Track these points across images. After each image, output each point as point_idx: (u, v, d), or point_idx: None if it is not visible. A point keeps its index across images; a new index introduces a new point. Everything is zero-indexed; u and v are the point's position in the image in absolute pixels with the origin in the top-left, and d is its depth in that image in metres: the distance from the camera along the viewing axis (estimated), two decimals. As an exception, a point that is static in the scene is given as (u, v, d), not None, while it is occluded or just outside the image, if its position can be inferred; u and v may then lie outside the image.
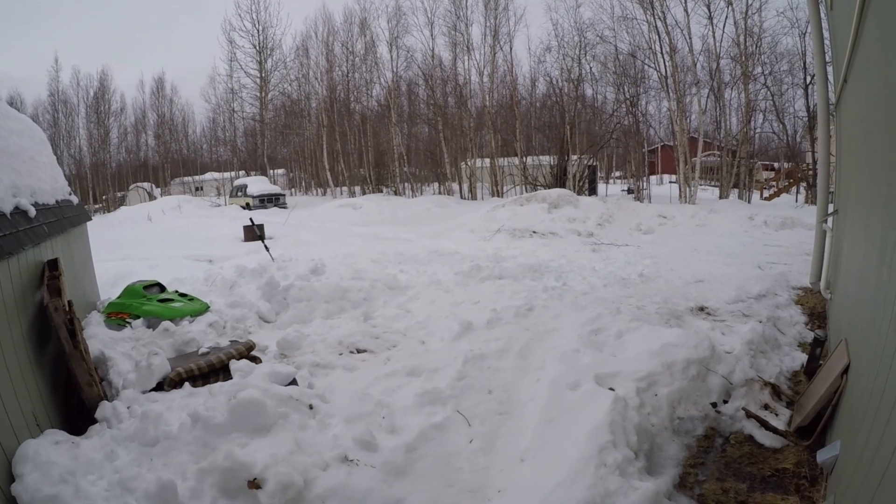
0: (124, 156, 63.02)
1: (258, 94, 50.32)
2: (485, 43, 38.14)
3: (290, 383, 5.31)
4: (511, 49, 39.32)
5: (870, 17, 3.98)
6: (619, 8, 32.94)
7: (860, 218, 5.02)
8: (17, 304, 4.60)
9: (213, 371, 6.04)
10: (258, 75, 49.78)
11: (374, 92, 46.30)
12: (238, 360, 6.12)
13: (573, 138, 34.58)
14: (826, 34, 7.99)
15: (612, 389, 5.23)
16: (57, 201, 6.97)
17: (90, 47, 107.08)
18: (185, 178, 59.44)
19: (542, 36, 61.61)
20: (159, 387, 5.64)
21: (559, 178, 32.01)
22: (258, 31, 49.18)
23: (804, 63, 29.48)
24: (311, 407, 4.78)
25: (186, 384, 5.69)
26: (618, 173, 56.04)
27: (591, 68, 35.83)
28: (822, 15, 7.97)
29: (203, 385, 5.65)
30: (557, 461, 4.17)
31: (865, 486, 2.61)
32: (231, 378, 5.69)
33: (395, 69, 42.00)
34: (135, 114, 61.90)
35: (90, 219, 9.30)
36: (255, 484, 3.66)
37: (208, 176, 58.08)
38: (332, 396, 5.21)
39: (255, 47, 49.44)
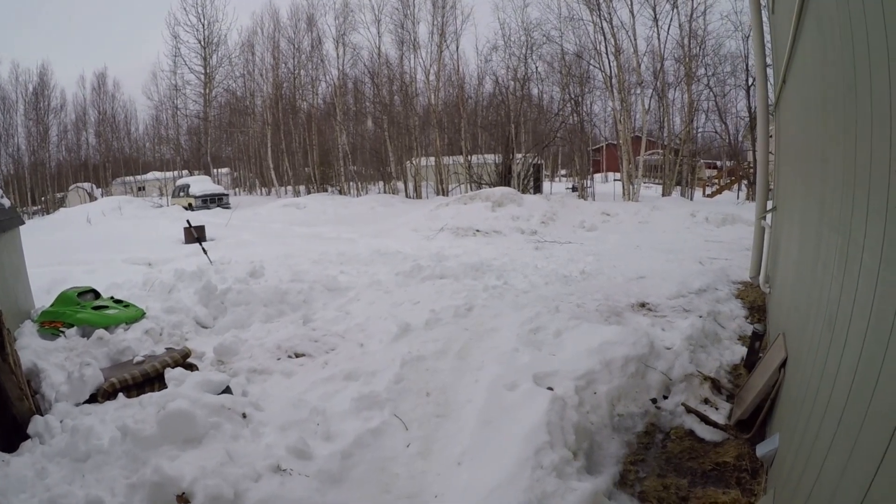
0: (64, 155, 60.80)
1: (202, 91, 49.15)
2: (432, 41, 38.12)
3: (224, 391, 5.15)
4: (458, 48, 39.48)
5: (808, 19, 4.07)
6: (565, 8, 33.13)
7: (797, 215, 5.13)
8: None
9: (147, 380, 5.84)
10: (202, 71, 48.62)
11: (319, 90, 45.91)
12: (174, 368, 5.91)
13: (518, 137, 34.89)
14: (767, 37, 8.18)
15: (550, 389, 5.22)
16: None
17: (28, 40, 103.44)
18: (127, 178, 57.72)
19: (489, 35, 61.49)
20: (93, 398, 5.44)
21: (504, 177, 32.18)
22: (203, 25, 47.94)
23: (746, 65, 30.21)
24: (244, 416, 4.64)
25: (120, 395, 5.50)
26: (563, 172, 56.60)
27: (537, 68, 36.18)
28: (764, 18, 8.15)
29: (138, 395, 5.44)
30: (494, 464, 4.13)
31: (804, 478, 2.64)
32: (166, 387, 5.51)
33: (341, 67, 41.82)
34: (75, 111, 59.51)
35: (23, 223, 8.94)
36: (183, 499, 3.53)
37: (150, 175, 56.45)
38: (266, 404, 5.06)
39: (199, 42, 48.19)
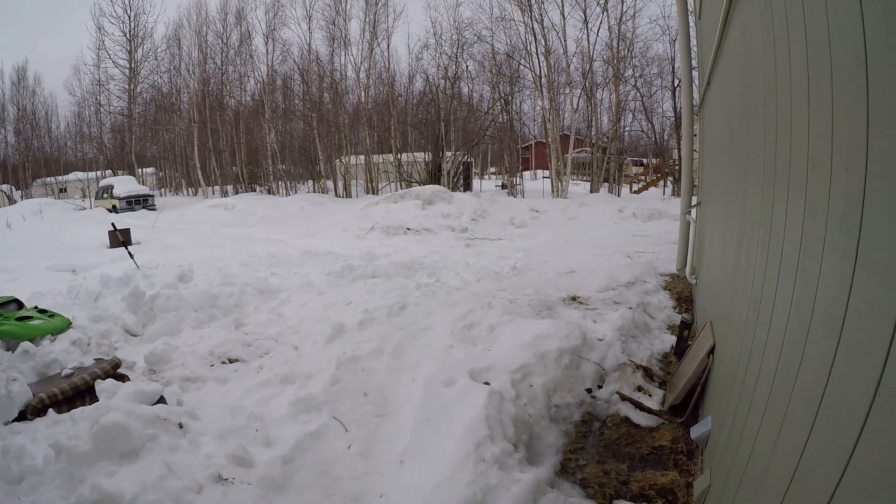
0: (-19, 154, 58.11)
1: (127, 87, 47.51)
2: (363, 38, 37.92)
3: (158, 401, 5.02)
4: (388, 45, 39.38)
5: (733, 28, 4.25)
6: (497, 9, 33.55)
7: (720, 209, 5.33)
8: None
9: (78, 394, 5.61)
10: (127, 66, 46.90)
11: (248, 86, 45.20)
12: (104, 379, 5.69)
13: (448, 135, 35.07)
14: (693, 41, 8.45)
15: (487, 384, 5.28)
16: None
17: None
18: (48, 179, 55.27)
19: (420, 33, 61.59)
20: (22, 416, 5.23)
21: (434, 175, 32.33)
22: (129, 17, 46.34)
23: (673, 68, 31.22)
24: (180, 426, 4.53)
25: (50, 411, 5.25)
26: (493, 169, 57.10)
27: (467, 67, 36.47)
28: (691, 24, 8.39)
29: (68, 410, 5.21)
30: (437, 461, 4.15)
31: (738, 455, 2.74)
32: (97, 400, 5.34)
33: (270, 63, 41.19)
34: (-7, 107, 57.06)
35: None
36: None
37: (73, 176, 54.21)
38: (202, 412, 4.95)
39: (125, 35, 46.53)
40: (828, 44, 1.60)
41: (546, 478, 4.17)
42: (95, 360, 6.44)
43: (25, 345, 6.61)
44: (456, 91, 36.37)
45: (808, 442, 1.58)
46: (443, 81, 35.51)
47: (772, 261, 2.48)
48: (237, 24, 43.38)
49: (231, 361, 6.81)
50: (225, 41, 43.87)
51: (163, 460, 3.98)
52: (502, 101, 33.65)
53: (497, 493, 3.78)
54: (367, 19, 37.68)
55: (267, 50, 40.96)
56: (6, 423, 5.04)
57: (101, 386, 5.40)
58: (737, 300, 3.59)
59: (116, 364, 6.23)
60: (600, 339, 6.65)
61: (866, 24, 1.29)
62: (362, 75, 37.79)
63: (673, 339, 6.88)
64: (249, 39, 43.04)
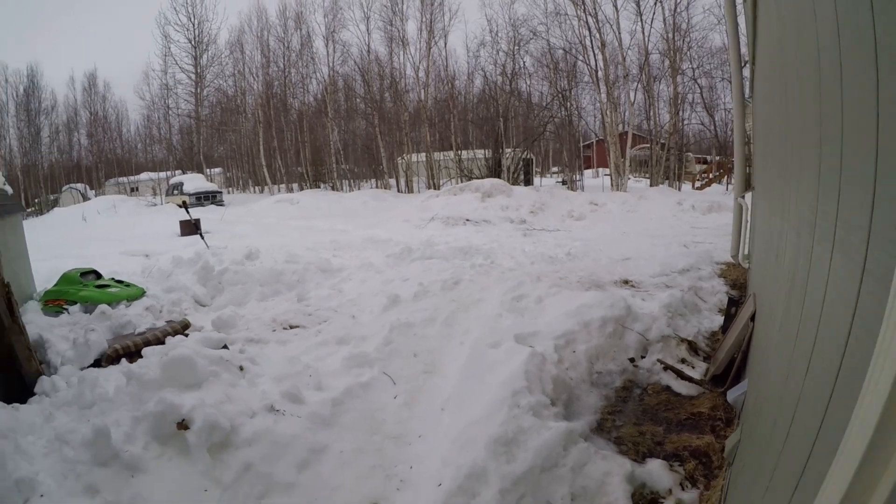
0: (56, 156, 60.60)
1: (193, 91, 49.23)
2: (420, 38, 38.18)
3: (222, 348, 5.46)
4: (446, 44, 39.53)
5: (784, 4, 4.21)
6: (551, 4, 33.55)
7: (767, 191, 5.38)
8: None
9: (149, 347, 6.13)
10: (193, 71, 48.64)
11: (310, 87, 46.01)
12: (174, 336, 6.20)
13: (508, 132, 35.09)
14: (742, 27, 8.47)
15: (531, 347, 5.48)
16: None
17: (18, 41, 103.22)
18: (120, 179, 57.45)
19: (477, 31, 61.59)
20: (97, 364, 5.72)
21: (494, 171, 32.37)
22: (193, 24, 48.09)
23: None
24: (241, 368, 4.91)
25: (123, 360, 5.75)
26: (555, 169, 56.74)
27: (524, 63, 36.45)
28: (739, 8, 8.39)
29: (140, 361, 5.74)
30: (475, 406, 4.41)
31: (764, 411, 2.85)
32: (168, 353, 5.81)
33: (331, 64, 41.87)
34: (66, 112, 59.26)
35: (24, 210, 9.22)
36: (183, 425, 3.79)
37: (144, 176, 56.30)
38: (261, 361, 5.34)
39: (190, 42, 48.32)
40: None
41: (580, 431, 4.30)
42: (167, 321, 6.92)
43: (102, 307, 7.17)
44: (514, 88, 36.41)
45: (832, 397, 1.64)
46: (500, 78, 35.60)
47: (806, 236, 2.52)
48: (297, 28, 44.25)
49: (292, 327, 7.23)
50: (286, 44, 44.80)
51: (223, 391, 4.39)
52: (560, 97, 33.56)
53: (528, 436, 3.97)
54: (424, 19, 37.93)
55: (327, 52, 41.65)
56: (82, 368, 5.53)
57: (171, 341, 5.84)
58: (775, 271, 3.68)
59: (186, 324, 6.71)
60: (646, 313, 6.73)
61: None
62: (421, 74, 38.09)
63: (722, 320, 6.85)
64: (310, 42, 43.82)
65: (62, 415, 4.35)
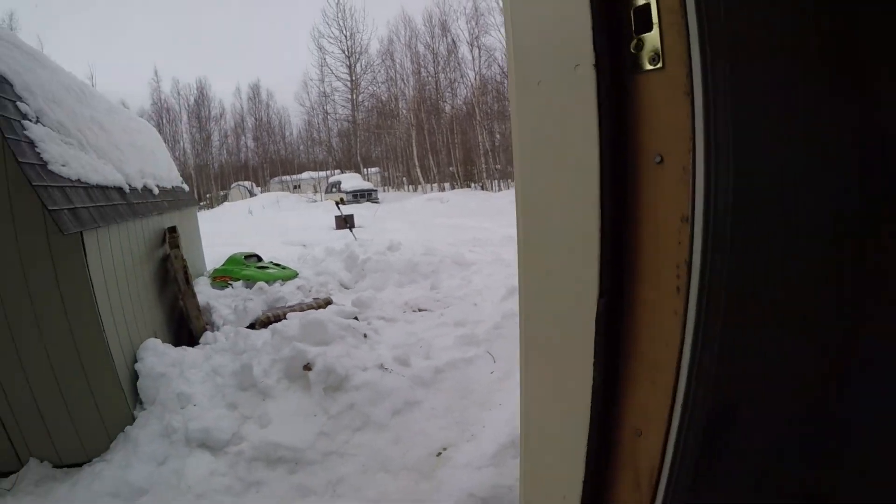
0: (225, 157, 66.32)
1: (349, 97, 52.23)
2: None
3: (352, 319, 6.43)
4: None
5: None
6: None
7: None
8: (146, 256, 6.08)
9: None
10: (348, 79, 51.91)
11: (459, 91, 47.27)
12: (317, 309, 7.20)
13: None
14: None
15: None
16: (172, 186, 8.51)
17: (184, 61, 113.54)
18: (284, 177, 61.87)
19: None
20: (251, 326, 6.88)
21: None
22: (346, 36, 51.37)
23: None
24: (365, 336, 5.92)
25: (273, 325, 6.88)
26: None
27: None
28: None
29: (288, 327, 6.84)
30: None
31: None
32: (312, 323, 6.88)
33: (476, 68, 42.92)
34: (234, 118, 65.20)
35: (198, 203, 10.70)
36: (307, 367, 4.89)
37: (305, 175, 60.34)
38: (384, 333, 6.33)
39: (344, 52, 51.63)
40: None
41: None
42: (314, 298, 7.97)
43: (260, 284, 8.41)
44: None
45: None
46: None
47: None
48: (443, 36, 45.80)
49: (420, 310, 8.05)
50: (434, 51, 46.41)
51: (345, 349, 5.40)
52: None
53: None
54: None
55: (472, 56, 42.76)
56: (239, 329, 6.68)
57: (313, 312, 6.83)
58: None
59: (328, 301, 7.75)
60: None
61: None
62: (567, 73, 38.14)
63: None
64: (456, 48, 45.11)
65: (218, 356, 5.53)
